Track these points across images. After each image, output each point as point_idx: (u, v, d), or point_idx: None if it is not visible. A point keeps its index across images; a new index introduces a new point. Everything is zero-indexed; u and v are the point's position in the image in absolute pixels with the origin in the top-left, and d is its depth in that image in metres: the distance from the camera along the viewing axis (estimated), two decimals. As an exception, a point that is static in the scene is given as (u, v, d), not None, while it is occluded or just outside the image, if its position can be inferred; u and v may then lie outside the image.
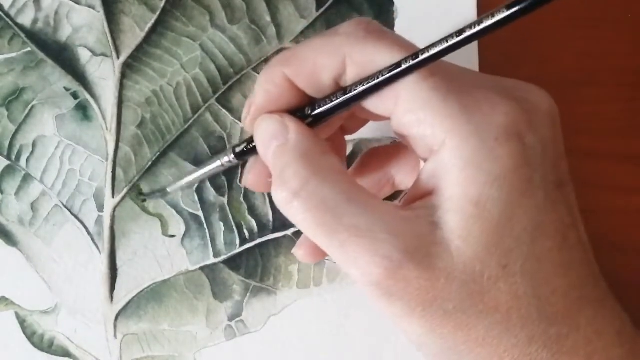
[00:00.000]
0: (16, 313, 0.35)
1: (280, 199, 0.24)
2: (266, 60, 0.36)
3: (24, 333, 0.35)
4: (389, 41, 0.24)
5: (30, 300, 0.35)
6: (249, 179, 0.28)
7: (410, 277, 0.23)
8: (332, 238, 0.23)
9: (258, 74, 0.36)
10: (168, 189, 0.33)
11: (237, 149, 0.28)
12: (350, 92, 0.25)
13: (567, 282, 0.24)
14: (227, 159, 0.29)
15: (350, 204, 0.24)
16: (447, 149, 0.23)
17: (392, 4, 0.36)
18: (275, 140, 0.25)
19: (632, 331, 0.26)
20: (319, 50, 0.25)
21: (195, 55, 0.36)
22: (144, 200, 0.35)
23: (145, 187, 0.35)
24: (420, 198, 0.24)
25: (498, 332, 0.23)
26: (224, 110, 0.36)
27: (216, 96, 0.36)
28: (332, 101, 0.25)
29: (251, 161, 0.28)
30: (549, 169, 0.24)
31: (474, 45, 0.35)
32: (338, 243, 0.23)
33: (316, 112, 0.26)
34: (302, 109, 0.26)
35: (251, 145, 0.27)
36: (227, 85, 0.36)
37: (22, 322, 0.35)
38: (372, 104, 0.25)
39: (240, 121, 0.35)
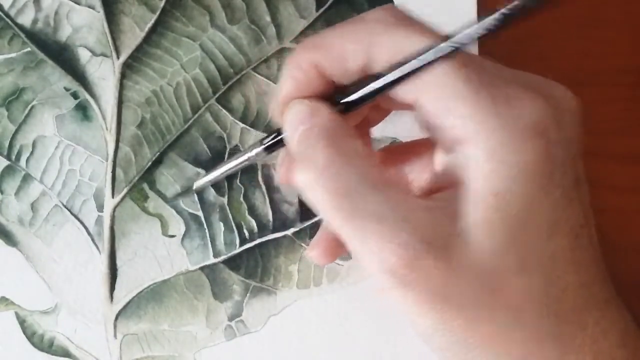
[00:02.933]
0: (16, 313, 0.35)
1: (301, 180, 0.24)
2: (266, 61, 0.36)
3: (24, 333, 0.35)
4: (418, 28, 0.24)
5: (30, 300, 0.35)
6: (282, 172, 0.28)
7: (426, 268, 0.23)
8: (350, 223, 0.23)
9: (258, 74, 0.36)
10: (194, 187, 0.32)
11: (265, 141, 0.28)
12: (381, 78, 0.24)
13: (578, 281, 0.24)
14: (255, 152, 0.28)
15: (371, 190, 0.23)
16: (474, 141, 0.23)
17: (392, 3, 0.36)
18: (303, 124, 0.25)
19: (636, 331, 0.26)
20: (346, 36, 0.25)
21: (195, 55, 0.36)
22: (170, 201, 0.35)
23: (165, 188, 0.35)
24: (442, 189, 0.24)
25: (509, 328, 0.23)
26: (223, 110, 0.36)
27: (216, 96, 0.36)
28: (362, 88, 0.25)
29: (282, 155, 0.28)
30: (569, 167, 0.24)
31: (473, 45, 0.35)
32: (356, 228, 0.23)
33: (347, 99, 0.25)
34: (332, 97, 0.26)
35: (279, 137, 0.27)
36: (227, 85, 0.36)
37: (22, 322, 0.35)
38: (400, 90, 0.25)
39: (240, 121, 0.35)
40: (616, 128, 0.36)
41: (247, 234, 0.35)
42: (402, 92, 0.25)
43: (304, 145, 0.25)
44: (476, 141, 0.23)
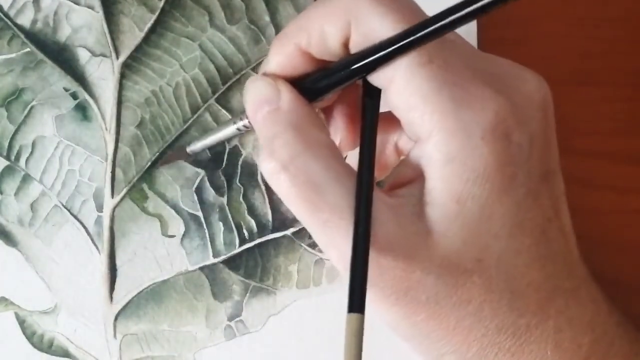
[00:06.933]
0: (16, 313, 0.35)
1: (268, 169, 0.24)
2: (265, 61, 0.36)
3: (24, 333, 0.35)
4: (394, 10, 0.23)
5: (30, 300, 0.35)
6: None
7: (386, 266, 0.23)
8: (314, 216, 0.23)
9: (257, 74, 0.36)
10: (188, 149, 0.32)
11: None
12: (344, 68, 0.24)
13: (542, 275, 0.24)
14: (242, 123, 0.28)
15: (337, 183, 0.23)
16: (434, 142, 0.23)
17: None
18: (267, 105, 0.25)
19: (606, 315, 0.26)
20: (325, 17, 0.24)
21: (194, 55, 0.36)
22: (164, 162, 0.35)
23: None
24: (405, 184, 0.24)
25: (469, 322, 0.24)
26: (223, 111, 0.36)
27: (215, 96, 0.36)
28: (326, 76, 0.25)
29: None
30: (535, 163, 0.24)
31: (473, 46, 0.35)
32: (320, 222, 0.23)
33: (312, 87, 0.25)
34: (301, 80, 0.26)
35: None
36: (227, 85, 0.36)
37: (21, 323, 0.35)
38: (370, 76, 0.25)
39: (240, 121, 0.35)
40: (616, 128, 0.36)
41: (246, 234, 0.35)
42: (371, 77, 0.24)
43: (269, 131, 0.25)
44: (435, 142, 0.23)
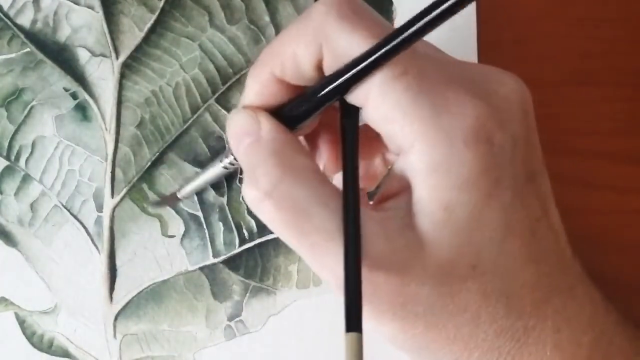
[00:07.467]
0: (16, 313, 0.35)
1: (251, 198, 0.24)
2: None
3: (24, 333, 0.35)
4: (361, 27, 0.23)
5: (30, 300, 0.35)
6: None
7: (379, 283, 0.23)
8: (302, 240, 0.23)
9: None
10: (179, 195, 0.32)
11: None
12: (319, 92, 0.24)
13: (536, 276, 0.24)
14: (228, 160, 0.28)
15: (322, 206, 0.23)
16: (416, 152, 0.23)
17: (391, 3, 0.36)
18: (247, 137, 0.25)
19: (604, 314, 0.26)
20: (296, 41, 0.24)
21: (194, 55, 0.36)
22: (152, 207, 0.35)
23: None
24: (392, 196, 0.24)
25: (468, 329, 0.24)
26: (223, 111, 0.36)
27: (215, 96, 0.36)
28: (302, 102, 0.25)
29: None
30: (519, 165, 0.24)
31: (473, 46, 0.35)
32: (308, 245, 0.23)
33: (291, 114, 0.25)
34: (281, 108, 0.26)
35: None
36: (226, 85, 0.36)
37: (21, 323, 0.35)
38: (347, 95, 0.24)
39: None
40: (616, 128, 0.36)
41: (246, 234, 0.35)
42: (348, 97, 0.24)
43: (250, 161, 0.25)
44: (418, 152, 0.23)
